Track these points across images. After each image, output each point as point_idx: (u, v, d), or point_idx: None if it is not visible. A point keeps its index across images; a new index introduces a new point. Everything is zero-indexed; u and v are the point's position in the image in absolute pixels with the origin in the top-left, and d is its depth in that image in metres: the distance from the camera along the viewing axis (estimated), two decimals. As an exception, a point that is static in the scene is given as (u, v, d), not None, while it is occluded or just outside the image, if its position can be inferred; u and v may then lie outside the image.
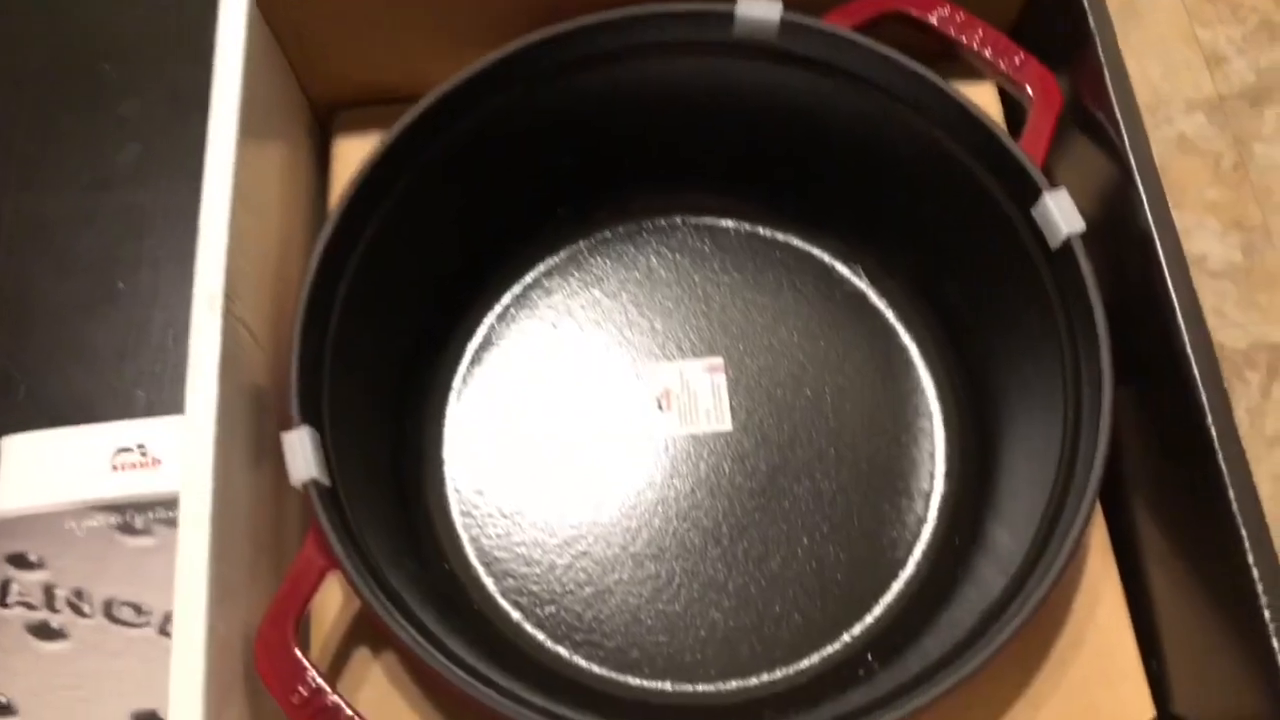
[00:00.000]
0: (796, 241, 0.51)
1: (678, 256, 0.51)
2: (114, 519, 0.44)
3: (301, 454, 0.35)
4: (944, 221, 0.45)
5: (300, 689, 0.33)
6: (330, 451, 0.37)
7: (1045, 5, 0.45)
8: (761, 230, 0.51)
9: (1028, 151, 0.40)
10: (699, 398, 0.47)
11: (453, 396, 0.47)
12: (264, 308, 0.39)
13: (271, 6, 0.42)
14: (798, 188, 0.50)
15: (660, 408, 0.47)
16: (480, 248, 0.48)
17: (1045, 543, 0.37)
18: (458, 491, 0.45)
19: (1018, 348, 0.43)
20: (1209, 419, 0.35)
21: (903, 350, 0.49)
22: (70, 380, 0.47)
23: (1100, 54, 0.40)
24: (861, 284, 0.50)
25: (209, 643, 0.32)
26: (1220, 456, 0.35)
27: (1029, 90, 0.42)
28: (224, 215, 0.36)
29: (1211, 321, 1.33)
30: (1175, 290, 0.37)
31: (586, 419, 0.47)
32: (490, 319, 0.49)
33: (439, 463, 0.46)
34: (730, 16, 0.42)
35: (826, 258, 0.50)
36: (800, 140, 0.47)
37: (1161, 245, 0.38)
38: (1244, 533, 0.34)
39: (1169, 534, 0.40)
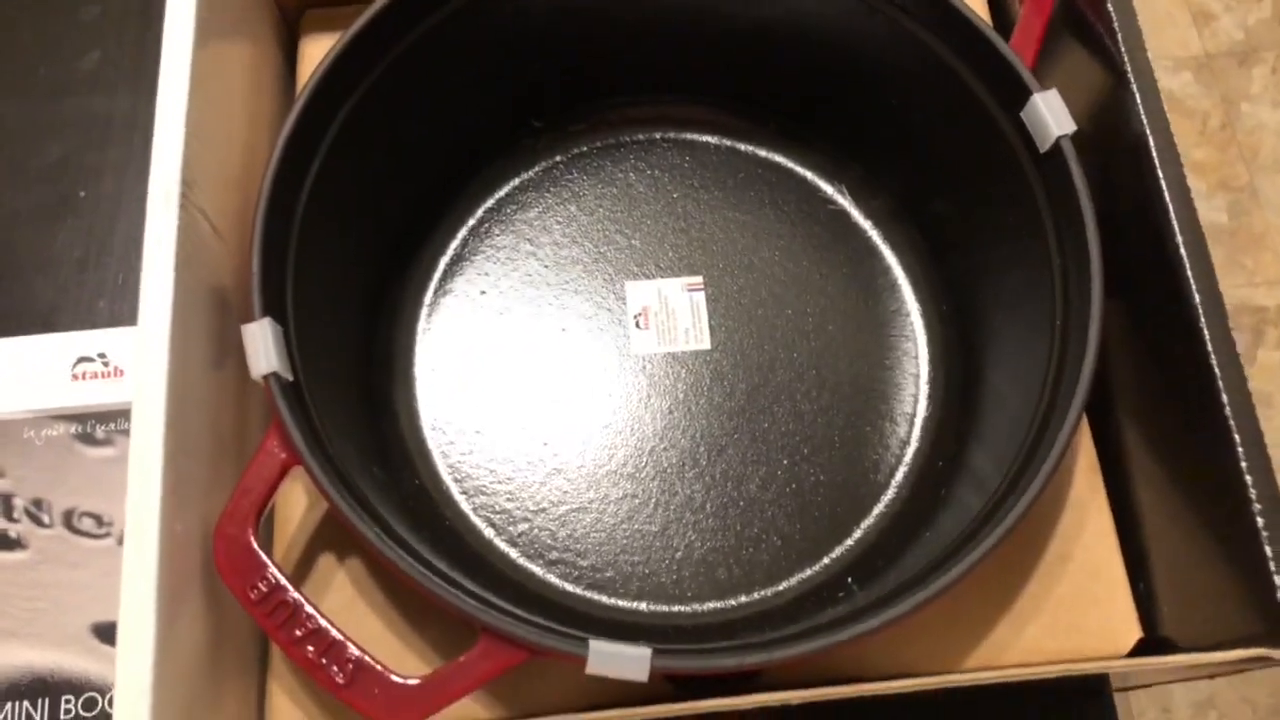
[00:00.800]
0: (779, 158, 0.50)
1: (657, 173, 0.49)
2: (74, 428, 0.43)
3: (262, 346, 0.33)
4: (930, 130, 0.44)
5: (260, 585, 0.32)
6: (294, 349, 0.35)
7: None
8: (743, 146, 0.50)
9: (1017, 51, 0.39)
10: (677, 316, 0.46)
11: (424, 308, 0.46)
12: (228, 202, 0.38)
13: None
14: (781, 99, 0.48)
15: (638, 325, 0.46)
16: (453, 155, 0.47)
17: (1028, 460, 0.36)
18: (429, 404, 0.44)
19: (1005, 261, 0.42)
20: (1202, 322, 0.34)
21: (887, 271, 0.48)
22: (30, 290, 0.46)
23: None
24: (845, 203, 0.49)
25: (162, 540, 0.31)
26: (1214, 361, 0.34)
27: None
28: (180, 106, 0.35)
29: (1195, 282, 1.31)
30: (1170, 191, 0.36)
31: (562, 336, 0.46)
32: (463, 231, 0.47)
33: (409, 374, 0.44)
34: None
35: (810, 175, 0.49)
36: (782, 48, 0.46)
37: (1156, 147, 0.37)
38: (1238, 438, 0.33)
39: (1159, 452, 0.39)
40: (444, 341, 0.45)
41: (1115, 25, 0.38)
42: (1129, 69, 0.38)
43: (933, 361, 0.46)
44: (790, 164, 0.49)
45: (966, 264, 0.45)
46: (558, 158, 0.49)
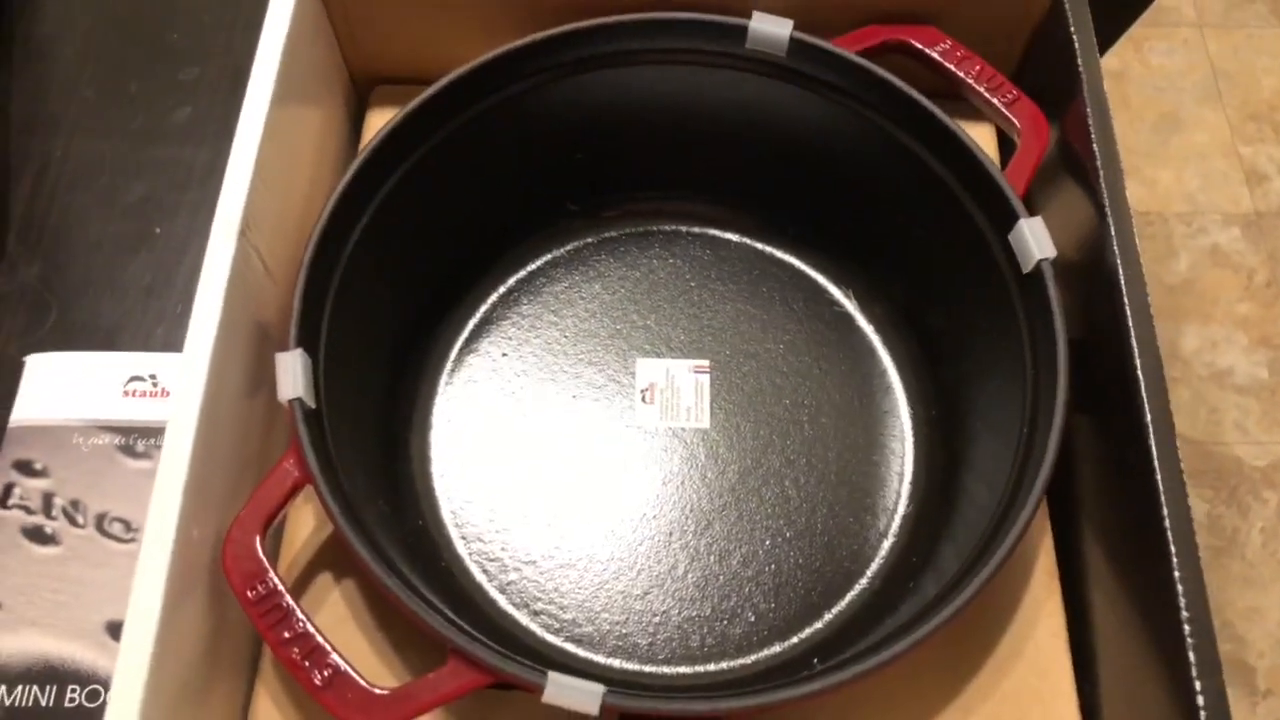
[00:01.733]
0: (793, 260, 0.53)
1: (678, 262, 0.53)
2: (118, 440, 0.47)
3: (291, 373, 0.37)
4: (931, 246, 0.48)
5: (259, 586, 0.35)
6: (321, 381, 0.39)
7: (1043, 52, 0.48)
8: (761, 246, 0.54)
9: (1010, 180, 0.43)
10: (682, 394, 0.50)
11: (448, 363, 0.50)
12: (282, 247, 0.42)
13: None
14: (798, 207, 0.52)
15: (644, 400, 0.49)
16: (491, 228, 0.51)
17: (983, 550, 0.39)
18: (441, 452, 0.48)
19: (986, 371, 0.45)
20: (1151, 439, 0.37)
21: (883, 374, 0.51)
22: (98, 311, 0.51)
23: (1087, 102, 0.42)
24: (850, 306, 0.52)
25: (177, 540, 0.34)
26: (1159, 477, 0.36)
27: (1019, 125, 0.45)
28: (251, 155, 0.39)
29: (1232, 436, 1.33)
30: (1134, 319, 0.39)
31: (572, 402, 0.49)
32: (494, 297, 0.51)
33: (426, 422, 0.48)
34: (744, 29, 0.45)
35: (820, 278, 0.53)
36: (802, 159, 0.50)
37: (1125, 278, 0.39)
38: (1175, 562, 0.35)
39: (1111, 560, 0.41)
40: (462, 396, 0.49)
41: (1099, 164, 0.41)
42: (1108, 206, 0.41)
43: (916, 462, 0.49)
44: (803, 266, 0.53)
45: (955, 373, 0.48)
46: (589, 239, 0.53)
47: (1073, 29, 0.44)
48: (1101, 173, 0.42)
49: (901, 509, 0.48)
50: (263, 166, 0.40)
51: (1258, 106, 1.41)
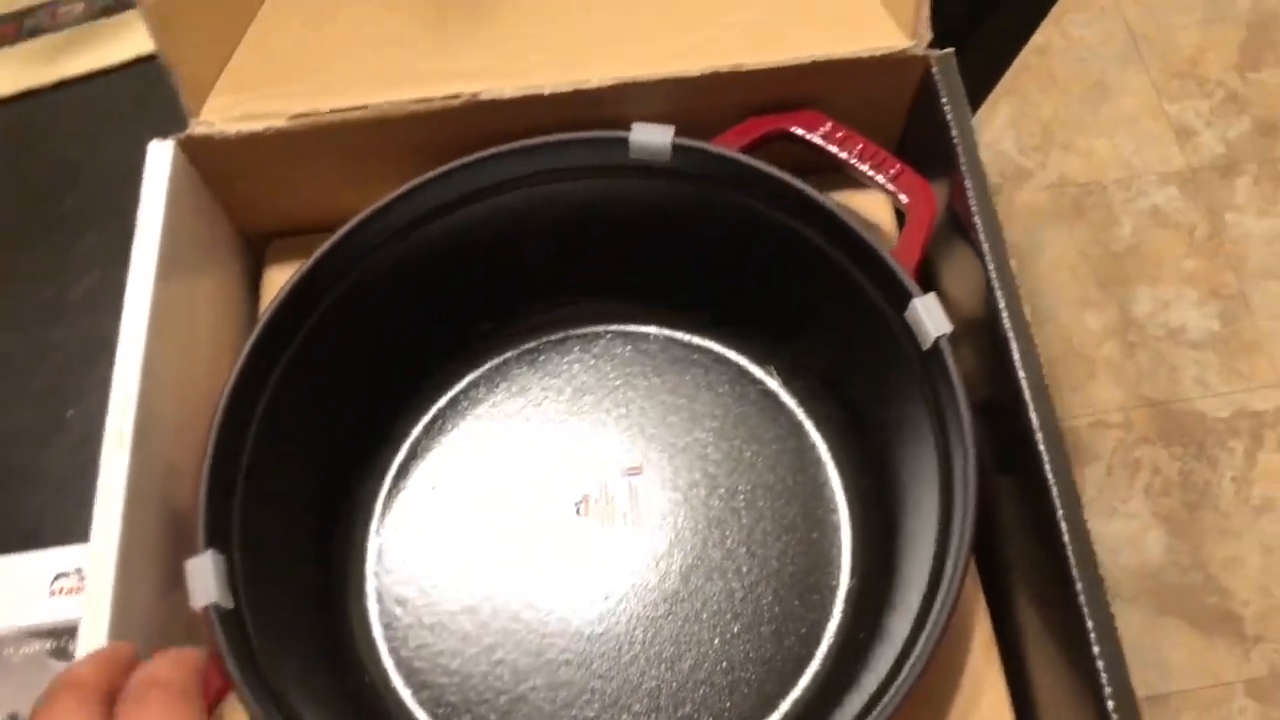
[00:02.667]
0: (713, 345, 0.52)
1: (600, 363, 0.52)
2: (49, 644, 0.46)
3: (201, 580, 0.36)
4: (839, 325, 0.47)
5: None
6: (239, 571, 0.38)
7: (922, 122, 0.47)
8: (679, 335, 0.53)
9: (900, 258, 0.42)
10: (616, 501, 0.49)
11: (377, 508, 0.49)
12: (186, 435, 0.41)
13: (197, 150, 0.45)
14: (709, 296, 0.52)
15: (579, 513, 0.49)
16: (406, 363, 0.50)
17: (919, 625, 0.38)
18: (380, 604, 0.47)
19: (905, 441, 0.45)
20: (1059, 512, 0.36)
21: (812, 447, 0.50)
22: (19, 507, 0.50)
23: (963, 168, 0.42)
24: (774, 384, 0.51)
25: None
26: (1070, 549, 0.36)
27: (905, 199, 0.44)
28: (137, 355, 0.38)
29: (1194, 392, 1.34)
30: (1031, 392, 0.38)
31: (507, 528, 0.48)
32: (416, 431, 0.51)
33: (361, 576, 0.47)
34: (626, 141, 0.45)
35: (741, 359, 0.52)
36: (704, 251, 0.49)
37: (1018, 350, 0.39)
38: (1090, 624, 0.35)
39: (1041, 628, 0.41)
40: (395, 540, 0.48)
41: (981, 236, 0.41)
42: (994, 278, 0.40)
43: (854, 534, 0.48)
44: (723, 349, 0.52)
45: (879, 440, 0.47)
46: (507, 354, 0.52)
47: (944, 100, 0.43)
48: (985, 245, 0.41)
49: (844, 584, 0.47)
50: (151, 361, 0.39)
51: (1179, 64, 1.41)
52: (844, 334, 0.48)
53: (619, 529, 0.48)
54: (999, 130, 1.40)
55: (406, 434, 0.50)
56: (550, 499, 0.49)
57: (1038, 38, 1.48)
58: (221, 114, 0.45)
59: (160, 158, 0.43)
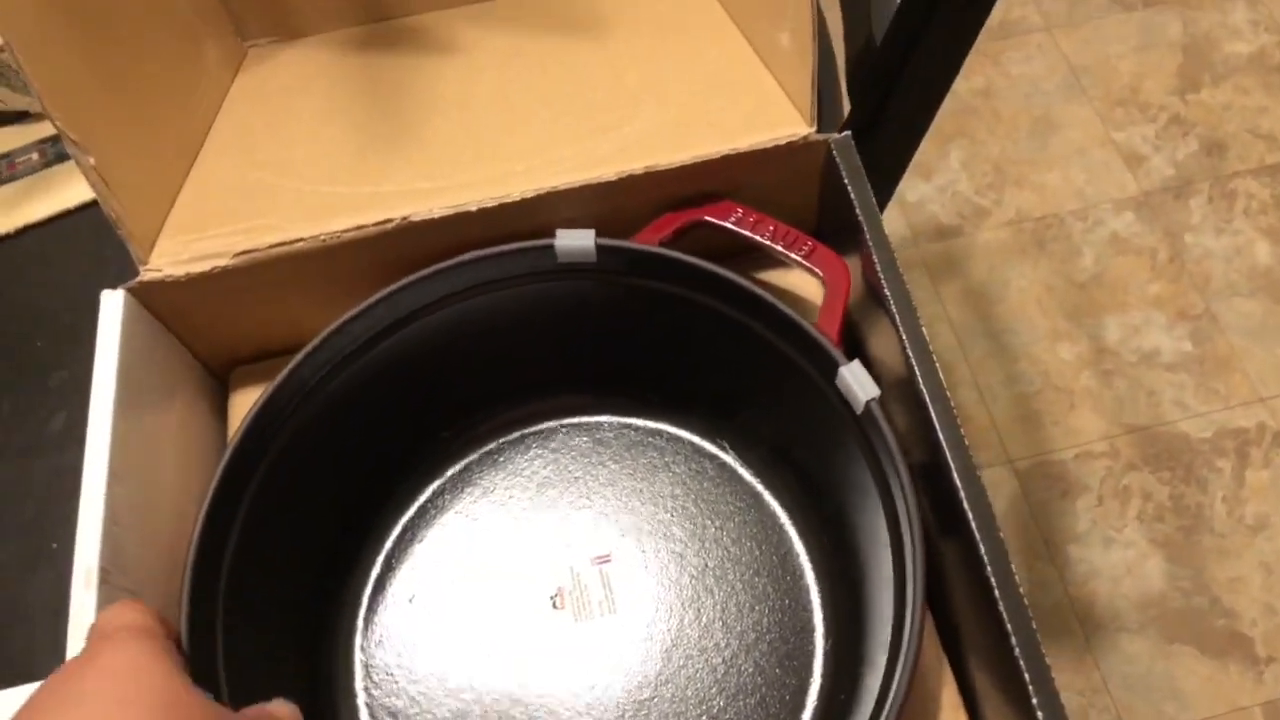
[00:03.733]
0: (665, 426, 0.55)
1: (559, 456, 0.55)
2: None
3: None
4: (778, 396, 0.50)
5: None
6: (228, 697, 0.41)
7: (831, 200, 0.51)
8: (633, 420, 0.56)
9: (823, 329, 0.45)
10: (589, 590, 0.51)
11: (359, 626, 0.51)
12: (157, 566, 0.44)
13: (149, 294, 0.48)
14: (656, 380, 0.55)
15: (555, 606, 0.51)
16: (371, 479, 0.53)
17: (884, 697, 0.41)
18: (372, 717, 0.49)
19: (856, 504, 0.47)
20: (987, 567, 0.39)
21: (773, 515, 0.53)
22: (9, 641, 0.52)
23: (869, 240, 0.45)
24: (728, 458, 0.54)
25: None
26: (1001, 606, 0.38)
27: (822, 274, 0.48)
28: (99, 495, 0.41)
29: (1174, 414, 1.36)
30: (951, 451, 0.41)
31: (487, 628, 0.51)
32: (388, 545, 0.53)
33: (351, 692, 0.49)
34: (552, 248, 0.48)
35: (694, 438, 0.55)
36: (644, 340, 0.53)
37: (935, 414, 0.42)
38: (1026, 676, 0.37)
39: (990, 683, 0.43)
40: (380, 654, 0.50)
41: (893, 308, 0.44)
42: (908, 346, 0.43)
43: (823, 596, 0.50)
44: (676, 430, 0.55)
45: (833, 503, 0.50)
46: (469, 458, 0.55)
47: (845, 179, 0.47)
48: (896, 313, 0.44)
49: (820, 647, 0.50)
50: (115, 499, 0.41)
51: (1120, 92, 1.46)
52: (784, 404, 0.51)
53: (596, 618, 0.51)
54: (953, 173, 1.44)
55: (379, 549, 0.53)
56: (526, 595, 0.51)
57: (980, 79, 1.54)
58: (169, 258, 0.47)
59: (112, 306, 0.46)
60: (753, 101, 0.50)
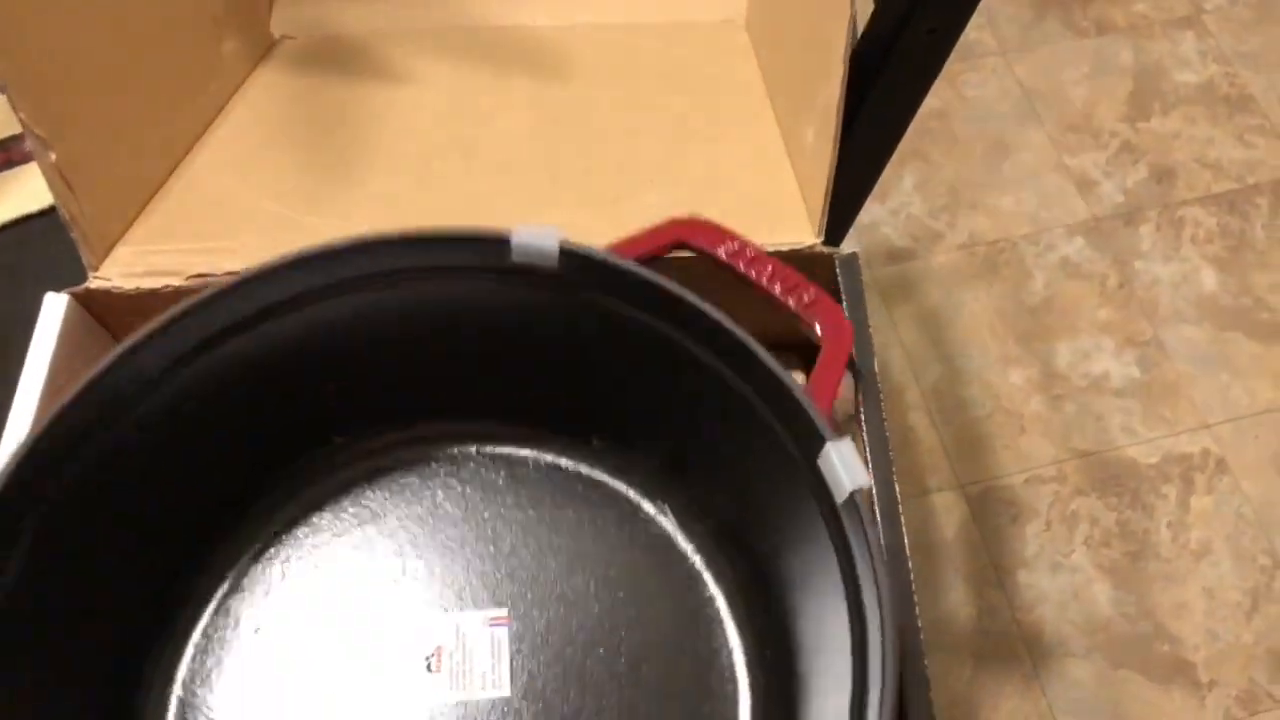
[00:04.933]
0: (601, 475, 0.45)
1: (468, 489, 0.44)
2: None
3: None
4: (742, 464, 0.40)
5: None
6: None
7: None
8: (564, 462, 0.45)
9: (815, 393, 0.35)
10: (475, 656, 0.40)
11: (188, 653, 0.39)
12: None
13: (94, 302, 0.42)
14: (598, 420, 0.44)
15: (429, 669, 0.40)
16: (234, 479, 0.41)
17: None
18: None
19: (815, 605, 0.37)
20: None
21: (710, 602, 0.42)
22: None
23: (857, 368, 0.35)
24: (668, 525, 0.43)
25: None
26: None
27: (818, 330, 0.37)
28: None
29: (1122, 439, 1.28)
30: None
31: (343, 684, 0.40)
32: (244, 561, 0.42)
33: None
34: (507, 244, 0.38)
35: (632, 494, 0.44)
36: (593, 370, 0.42)
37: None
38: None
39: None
40: (206, 696, 0.39)
41: (866, 447, 0.34)
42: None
43: (754, 708, 0.40)
44: (612, 482, 0.45)
45: (784, 600, 0.39)
46: (358, 472, 0.44)
47: (843, 300, 0.38)
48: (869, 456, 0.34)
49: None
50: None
51: (1073, 117, 1.38)
52: (748, 474, 0.40)
53: (476, 690, 0.40)
54: (907, 194, 1.35)
55: (230, 564, 0.41)
56: (398, 649, 0.40)
57: (936, 101, 1.45)
58: (123, 267, 0.42)
59: (54, 309, 0.41)
60: (766, 196, 0.43)
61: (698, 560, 0.42)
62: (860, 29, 0.41)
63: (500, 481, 0.44)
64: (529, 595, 0.41)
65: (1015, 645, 1.11)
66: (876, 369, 0.39)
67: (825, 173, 0.41)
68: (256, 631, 0.40)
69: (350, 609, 0.41)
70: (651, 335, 0.39)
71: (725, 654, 0.40)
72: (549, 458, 0.45)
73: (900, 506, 0.34)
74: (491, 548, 0.42)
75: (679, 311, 0.37)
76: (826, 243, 0.43)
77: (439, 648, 0.40)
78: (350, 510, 0.43)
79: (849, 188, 0.50)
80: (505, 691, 0.39)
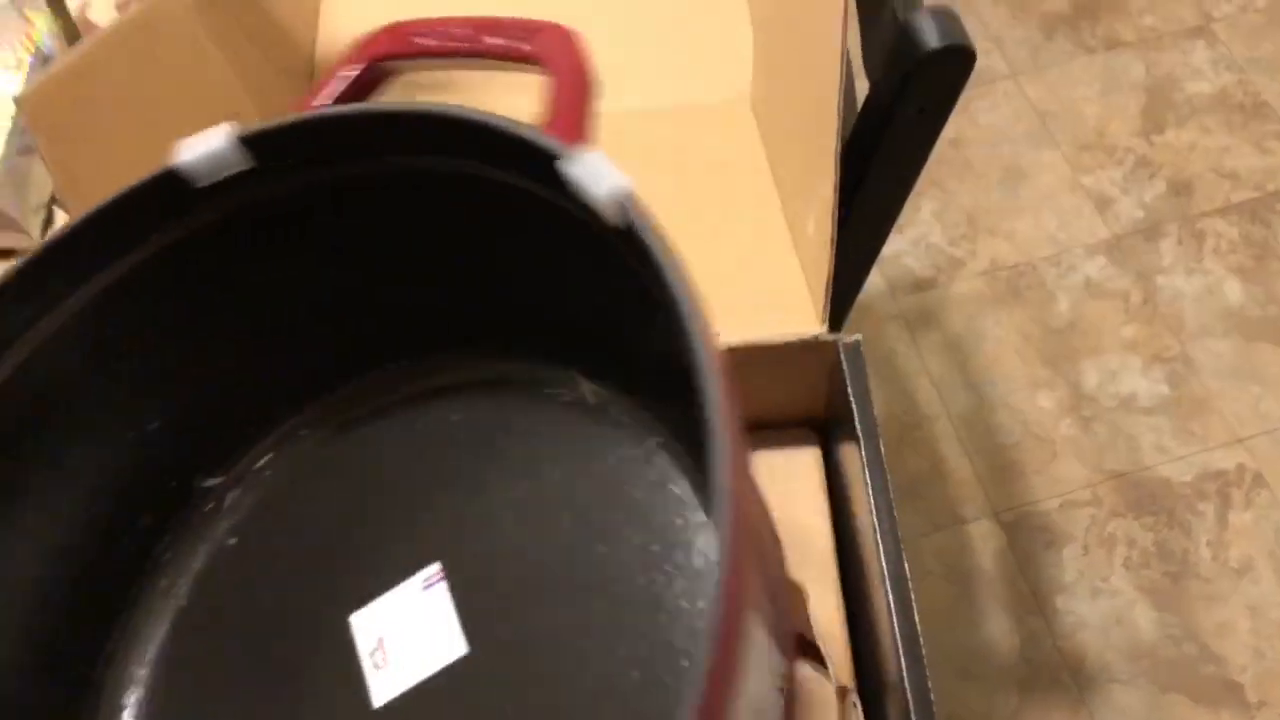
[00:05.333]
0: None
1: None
2: None
3: None
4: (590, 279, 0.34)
5: None
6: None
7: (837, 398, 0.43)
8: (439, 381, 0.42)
9: (558, 131, 0.29)
10: (420, 627, 0.37)
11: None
12: None
13: None
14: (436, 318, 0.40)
15: (377, 665, 0.37)
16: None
17: None
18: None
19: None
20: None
21: (652, 455, 0.38)
22: None
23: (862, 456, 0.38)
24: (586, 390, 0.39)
25: None
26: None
27: (548, 68, 0.32)
28: None
29: (1154, 459, 1.28)
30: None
31: (273, 704, 0.38)
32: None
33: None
34: (175, 174, 0.33)
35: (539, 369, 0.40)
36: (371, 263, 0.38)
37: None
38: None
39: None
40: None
41: (878, 542, 0.36)
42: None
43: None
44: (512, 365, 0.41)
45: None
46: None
47: (847, 386, 0.41)
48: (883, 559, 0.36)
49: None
50: None
51: (1086, 136, 1.39)
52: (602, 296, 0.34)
53: (431, 664, 0.37)
54: (926, 224, 1.37)
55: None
56: (335, 655, 0.37)
57: (949, 130, 1.47)
58: None
59: None
60: (771, 286, 0.45)
61: (605, 419, 0.38)
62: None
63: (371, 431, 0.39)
64: (462, 538, 0.37)
65: (1059, 673, 1.10)
66: (880, 431, 0.39)
67: (826, 268, 0.41)
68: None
69: (273, 610, 0.38)
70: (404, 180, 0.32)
71: (681, 503, 0.36)
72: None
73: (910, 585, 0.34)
74: (390, 501, 0.38)
75: (400, 131, 0.30)
76: (830, 325, 0.42)
77: (380, 639, 0.37)
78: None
79: (850, 270, 0.52)
80: (463, 649, 0.36)
